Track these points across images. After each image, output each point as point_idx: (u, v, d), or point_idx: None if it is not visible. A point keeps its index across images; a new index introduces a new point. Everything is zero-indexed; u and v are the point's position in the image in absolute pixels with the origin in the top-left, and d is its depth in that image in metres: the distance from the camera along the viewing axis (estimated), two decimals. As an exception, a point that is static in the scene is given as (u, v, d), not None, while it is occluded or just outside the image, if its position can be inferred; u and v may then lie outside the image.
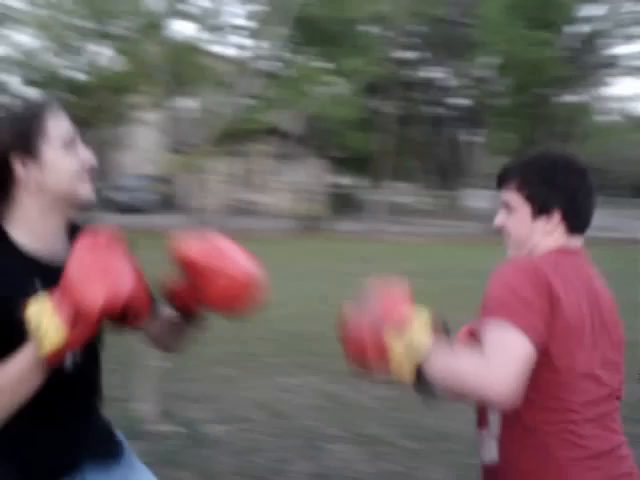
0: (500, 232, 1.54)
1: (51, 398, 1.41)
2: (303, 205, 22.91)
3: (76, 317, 1.20)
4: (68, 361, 1.42)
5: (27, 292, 1.30)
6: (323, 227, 20.15)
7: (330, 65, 20.99)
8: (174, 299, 1.52)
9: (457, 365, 1.29)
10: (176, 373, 4.79)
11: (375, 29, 23.86)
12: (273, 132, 22.31)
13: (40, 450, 1.45)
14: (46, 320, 1.20)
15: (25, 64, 15.19)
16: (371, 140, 23.50)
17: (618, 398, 1.45)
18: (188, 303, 1.51)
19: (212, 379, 4.91)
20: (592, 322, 1.39)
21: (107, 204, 19.11)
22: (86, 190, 1.45)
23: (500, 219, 1.53)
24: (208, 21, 16.20)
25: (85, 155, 1.45)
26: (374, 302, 1.37)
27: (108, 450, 1.60)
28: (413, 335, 1.31)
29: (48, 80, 14.85)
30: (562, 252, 1.45)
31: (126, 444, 1.69)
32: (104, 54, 15.57)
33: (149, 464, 3.33)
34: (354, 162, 25.92)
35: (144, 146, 22.31)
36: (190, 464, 3.39)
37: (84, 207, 1.48)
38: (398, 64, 25.04)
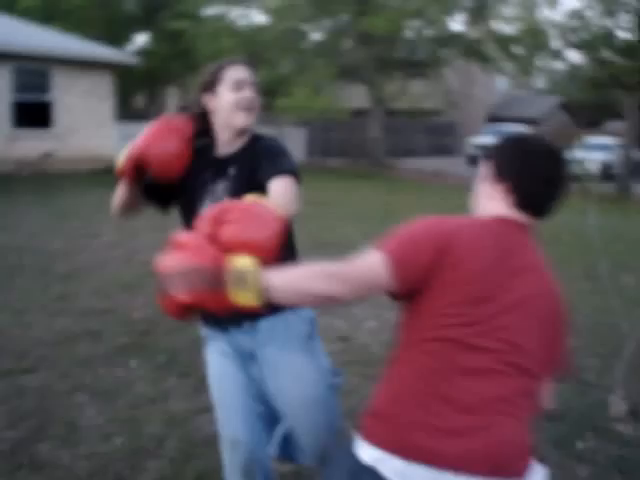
0: None
1: None
2: None
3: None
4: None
5: (203, 173, 2.09)
6: None
7: None
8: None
9: (301, 273, 1.47)
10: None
11: None
12: None
13: None
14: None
15: (573, 27, 15.10)
16: None
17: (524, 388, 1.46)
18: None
19: None
20: (492, 293, 1.45)
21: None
22: (240, 119, 2.04)
23: None
24: None
25: (246, 94, 2.03)
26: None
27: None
28: (238, 265, 1.45)
29: (593, 42, 14.46)
30: (500, 220, 1.54)
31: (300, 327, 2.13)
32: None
33: (595, 462, 3.03)
34: None
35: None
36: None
37: (241, 131, 2.07)
38: None
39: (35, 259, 6.87)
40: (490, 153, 1.62)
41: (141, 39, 28.87)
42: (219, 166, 2.08)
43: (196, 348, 4.37)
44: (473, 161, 23.97)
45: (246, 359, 2.14)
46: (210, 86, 2.06)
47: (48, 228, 8.78)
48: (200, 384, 3.77)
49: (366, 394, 1.95)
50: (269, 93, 19.65)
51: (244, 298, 1.45)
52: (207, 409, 3.46)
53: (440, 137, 31.14)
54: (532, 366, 1.47)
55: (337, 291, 1.44)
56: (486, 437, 1.38)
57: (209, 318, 2.14)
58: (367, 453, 1.44)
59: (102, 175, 15.22)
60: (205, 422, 3.30)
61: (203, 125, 2.11)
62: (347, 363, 3.99)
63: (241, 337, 2.10)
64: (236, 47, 19.76)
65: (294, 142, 22.07)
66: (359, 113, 25.61)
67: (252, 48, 20.10)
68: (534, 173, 1.54)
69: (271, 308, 1.97)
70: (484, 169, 1.62)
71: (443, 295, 1.44)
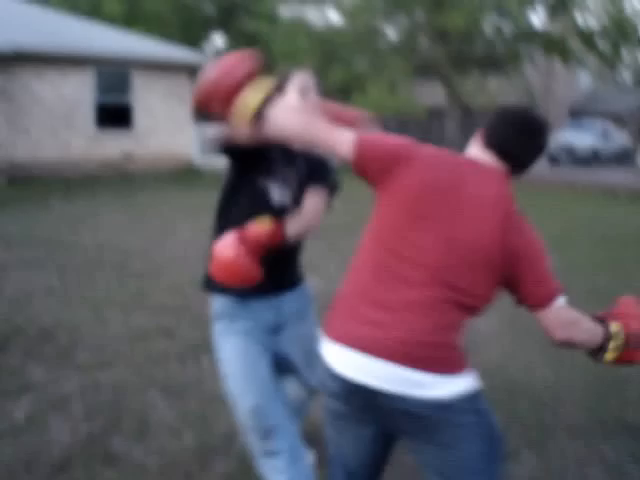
0: None
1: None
2: None
3: None
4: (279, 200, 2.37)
5: (272, 150, 2.33)
6: None
7: None
8: None
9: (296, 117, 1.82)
10: None
11: None
12: None
13: None
14: None
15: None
16: None
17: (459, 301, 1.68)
18: None
19: None
20: (439, 212, 1.70)
21: None
22: None
23: None
24: None
25: (311, 98, 2.27)
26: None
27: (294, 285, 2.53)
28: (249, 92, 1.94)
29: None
30: (471, 160, 1.82)
31: (309, 299, 2.62)
32: None
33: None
34: None
35: None
36: None
37: None
38: None
39: (114, 256, 7.07)
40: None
41: (218, 41, 29.42)
42: (283, 149, 2.36)
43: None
44: (554, 160, 23.13)
45: (267, 332, 2.45)
46: (280, 87, 2.33)
47: (127, 226, 9.04)
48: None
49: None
50: (344, 91, 19.61)
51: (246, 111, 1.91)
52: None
53: (519, 135, 30.30)
54: (462, 285, 1.67)
55: (303, 134, 1.79)
56: (404, 331, 1.64)
57: (236, 296, 2.39)
58: (324, 345, 1.79)
59: (180, 175, 15.56)
60: (274, 422, 3.27)
61: None
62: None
63: (266, 312, 2.44)
64: (311, 47, 19.82)
65: (368, 141, 21.95)
66: (436, 111, 25.26)
67: (327, 48, 20.12)
68: (504, 118, 1.81)
69: (291, 284, 2.50)
70: None
71: (392, 206, 1.73)
